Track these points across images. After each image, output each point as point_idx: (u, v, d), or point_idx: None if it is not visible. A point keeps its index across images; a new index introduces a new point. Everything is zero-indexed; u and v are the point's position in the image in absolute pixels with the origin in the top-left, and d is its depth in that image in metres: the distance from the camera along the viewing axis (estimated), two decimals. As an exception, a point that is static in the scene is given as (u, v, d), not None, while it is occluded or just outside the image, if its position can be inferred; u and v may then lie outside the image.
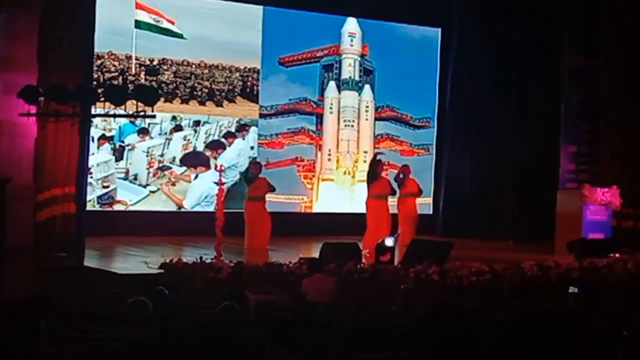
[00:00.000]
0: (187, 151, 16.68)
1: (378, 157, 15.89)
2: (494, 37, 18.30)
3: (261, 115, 17.41)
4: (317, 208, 17.96)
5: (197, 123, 16.79)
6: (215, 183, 13.43)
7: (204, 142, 16.86)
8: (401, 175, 16.08)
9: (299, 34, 17.66)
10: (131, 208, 16.13)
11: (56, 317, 7.25)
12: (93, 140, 15.20)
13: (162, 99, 15.23)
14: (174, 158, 16.55)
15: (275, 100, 17.53)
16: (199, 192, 16.61)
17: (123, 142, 16.09)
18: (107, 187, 15.92)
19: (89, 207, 14.11)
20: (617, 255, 14.17)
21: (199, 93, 16.78)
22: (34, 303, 7.23)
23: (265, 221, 14.86)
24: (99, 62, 15.52)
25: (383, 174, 15.82)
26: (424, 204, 17.94)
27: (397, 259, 13.04)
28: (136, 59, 16.11)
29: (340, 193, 18.15)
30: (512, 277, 12.64)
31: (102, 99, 11.86)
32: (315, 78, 18.03)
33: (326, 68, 18.13)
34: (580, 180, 17.08)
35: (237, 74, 17.15)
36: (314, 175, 18.00)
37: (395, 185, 15.81)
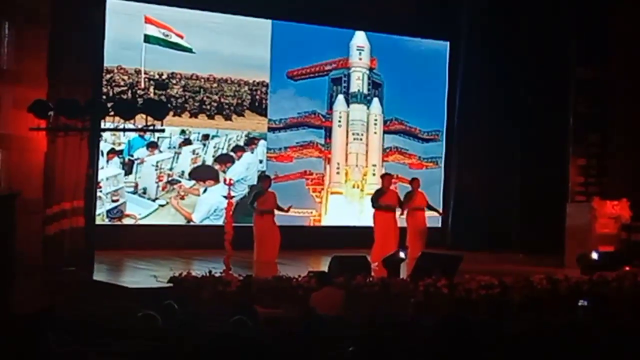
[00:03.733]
0: (196, 165, 16.71)
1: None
2: (501, 49, 18.32)
3: (270, 129, 17.43)
4: (326, 221, 17.95)
5: (206, 137, 16.83)
6: (225, 197, 13.43)
7: (213, 156, 16.88)
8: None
9: (308, 47, 17.69)
10: (140, 222, 16.15)
11: (65, 331, 7.25)
12: (102, 154, 15.25)
13: (171, 113, 15.25)
14: (183, 172, 16.57)
15: (284, 114, 17.56)
16: (208, 206, 16.62)
17: (132, 156, 16.12)
18: (117, 201, 15.95)
19: (98, 221, 14.14)
20: (627, 268, 14.11)
21: (208, 107, 16.82)
22: (43, 317, 7.24)
23: (274, 235, 14.87)
24: (108, 76, 15.58)
25: (392, 187, 15.89)
26: (433, 217, 17.90)
27: (406, 273, 13.02)
28: (145, 73, 16.16)
29: (349, 206, 18.14)
30: (521, 290, 12.58)
31: (112, 113, 11.89)
32: (324, 91, 18.06)
33: (335, 81, 18.16)
34: (590, 193, 17.06)
35: (246, 88, 17.18)
36: (322, 189, 18.01)
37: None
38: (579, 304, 11.16)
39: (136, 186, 16.16)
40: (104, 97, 14.89)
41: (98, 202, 14.61)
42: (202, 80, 16.76)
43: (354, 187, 18.32)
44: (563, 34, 17.70)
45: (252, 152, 17.28)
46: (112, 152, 15.91)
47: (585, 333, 6.60)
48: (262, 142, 17.36)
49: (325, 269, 12.53)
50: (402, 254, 13.28)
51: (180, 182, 16.52)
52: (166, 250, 15.16)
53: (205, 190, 16.70)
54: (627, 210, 15.79)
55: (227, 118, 17.05)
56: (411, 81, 18.64)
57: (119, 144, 15.96)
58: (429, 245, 15.93)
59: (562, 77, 17.87)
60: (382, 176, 16.28)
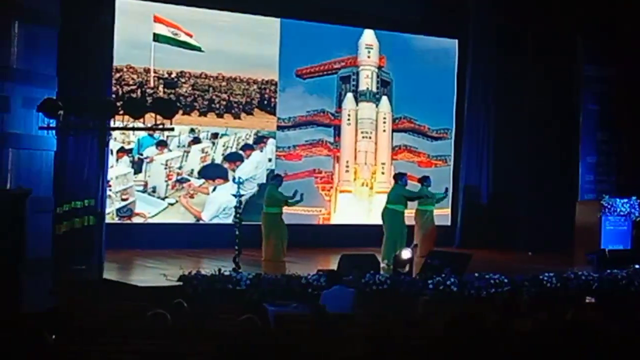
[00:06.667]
0: (205, 163, 16.72)
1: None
2: (510, 47, 18.30)
3: (279, 127, 17.44)
4: (335, 220, 17.95)
5: (215, 135, 16.84)
6: (234, 195, 13.44)
7: (222, 155, 16.90)
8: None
9: (317, 46, 17.69)
10: (150, 220, 16.18)
11: (74, 329, 7.27)
12: (112, 153, 15.27)
13: (180, 112, 15.24)
14: (192, 170, 16.59)
15: (292, 112, 17.56)
16: (217, 205, 16.64)
17: (142, 154, 16.15)
18: (126, 199, 15.99)
19: (108, 219, 14.16)
20: (637, 266, 14.09)
21: (217, 105, 16.84)
22: (53, 316, 7.26)
23: (282, 233, 14.88)
24: (117, 75, 15.60)
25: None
26: (442, 215, 17.92)
27: (415, 271, 13.02)
28: (154, 72, 16.19)
29: (358, 205, 18.14)
30: (530, 288, 12.60)
31: (121, 112, 11.90)
32: (332, 90, 18.06)
33: (344, 80, 18.15)
34: (600, 191, 17.03)
35: (255, 86, 17.19)
36: (331, 187, 18.01)
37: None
38: (587, 300, 11.19)
39: (146, 185, 16.19)
40: (114, 96, 14.90)
41: (108, 201, 14.64)
42: (211, 79, 16.77)
43: (363, 185, 18.31)
44: (571, 31, 17.67)
45: (262, 151, 17.29)
46: (122, 151, 15.94)
47: (595, 331, 6.58)
48: (271, 140, 17.37)
49: (335, 267, 12.54)
50: (410, 253, 13.27)
51: (189, 180, 16.55)
52: (176, 249, 15.19)
53: (214, 189, 16.72)
54: (637, 207, 15.77)
55: (236, 117, 17.06)
56: (420, 79, 18.62)
57: (129, 143, 15.99)
58: (438, 244, 15.92)
59: (571, 74, 17.86)
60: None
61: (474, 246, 16.61)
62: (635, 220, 15.82)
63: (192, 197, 16.55)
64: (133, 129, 12.80)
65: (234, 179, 15.84)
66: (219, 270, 11.87)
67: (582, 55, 17.70)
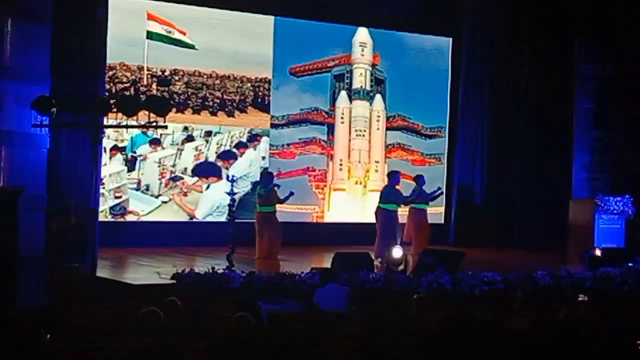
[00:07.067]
0: (198, 161, 16.70)
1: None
2: (504, 45, 18.31)
3: (272, 125, 17.42)
4: (329, 218, 17.95)
5: (208, 133, 16.82)
6: (227, 193, 13.44)
7: (216, 153, 16.88)
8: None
9: (310, 44, 17.68)
10: (143, 218, 16.15)
11: (68, 327, 7.26)
12: (105, 151, 15.24)
13: (174, 110, 15.23)
14: (186, 168, 16.57)
15: (286, 110, 17.54)
16: (211, 203, 16.62)
17: (135, 152, 16.13)
18: (119, 197, 15.96)
19: (101, 217, 14.12)
20: (631, 264, 14.10)
21: (211, 103, 16.81)
22: (45, 314, 7.24)
23: (275, 231, 14.87)
24: (110, 72, 15.58)
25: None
26: (436, 213, 17.93)
27: (409, 269, 13.02)
28: (148, 70, 16.16)
29: (351, 203, 18.13)
30: (524, 286, 12.60)
31: (114, 110, 11.88)
32: (326, 88, 18.04)
33: (337, 78, 18.14)
34: (594, 189, 17.04)
35: (249, 84, 17.17)
36: (325, 185, 18.00)
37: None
38: (579, 299, 11.20)
39: (139, 183, 16.16)
40: (107, 93, 14.88)
41: (101, 199, 14.61)
42: (205, 76, 16.75)
43: (356, 183, 18.30)
44: (567, 29, 17.68)
45: (255, 149, 17.27)
46: (115, 149, 15.91)
47: (588, 329, 6.59)
48: (264, 138, 17.35)
49: (328, 265, 12.54)
50: (402, 251, 13.27)
51: (183, 178, 16.52)
52: (169, 247, 15.17)
53: (208, 187, 16.69)
54: (631, 206, 15.78)
55: (230, 115, 17.04)
56: (414, 77, 18.63)
57: (122, 141, 15.96)
58: (432, 242, 15.93)
59: (566, 73, 17.86)
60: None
61: (468, 244, 16.62)
62: (629, 219, 15.83)
63: (185, 195, 16.53)
64: (126, 126, 12.78)
65: (227, 177, 15.81)
66: (213, 268, 11.86)
67: (579, 53, 17.71)
